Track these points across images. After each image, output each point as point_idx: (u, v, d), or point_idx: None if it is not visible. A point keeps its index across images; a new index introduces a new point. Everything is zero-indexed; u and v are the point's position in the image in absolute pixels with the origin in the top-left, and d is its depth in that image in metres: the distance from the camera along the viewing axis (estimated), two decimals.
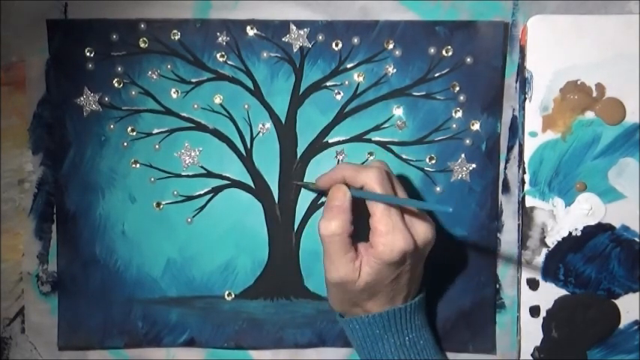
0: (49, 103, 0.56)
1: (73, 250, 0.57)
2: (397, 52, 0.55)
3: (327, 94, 0.56)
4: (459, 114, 0.56)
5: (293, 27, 0.55)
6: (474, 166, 0.56)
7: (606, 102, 0.54)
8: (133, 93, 0.56)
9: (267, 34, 0.56)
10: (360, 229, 0.48)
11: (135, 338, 0.58)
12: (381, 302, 0.49)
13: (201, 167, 0.57)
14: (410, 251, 0.47)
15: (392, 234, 0.46)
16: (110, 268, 0.57)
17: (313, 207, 0.57)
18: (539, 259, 0.55)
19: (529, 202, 0.55)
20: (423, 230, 0.48)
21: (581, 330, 0.55)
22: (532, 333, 0.56)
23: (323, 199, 0.57)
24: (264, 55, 0.56)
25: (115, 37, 0.56)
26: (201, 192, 0.57)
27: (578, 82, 0.54)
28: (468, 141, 0.56)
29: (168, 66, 0.56)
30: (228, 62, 0.56)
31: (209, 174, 0.57)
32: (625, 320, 0.55)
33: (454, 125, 0.56)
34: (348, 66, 0.56)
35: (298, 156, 0.57)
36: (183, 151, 0.57)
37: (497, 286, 0.57)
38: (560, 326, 0.55)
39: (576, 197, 0.55)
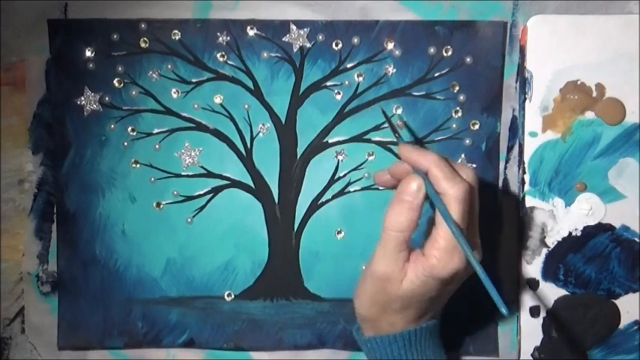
0: (49, 103, 0.56)
1: (73, 250, 0.57)
2: (397, 52, 0.55)
3: (327, 94, 0.56)
4: (459, 114, 0.56)
5: (293, 27, 0.56)
6: (473, 166, 0.56)
7: (606, 102, 0.54)
8: (134, 93, 0.56)
9: (268, 34, 0.56)
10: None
11: (135, 338, 0.58)
12: (408, 318, 0.47)
13: (202, 167, 0.57)
14: (460, 275, 0.45)
15: (450, 252, 0.44)
16: (110, 268, 0.57)
17: (313, 207, 0.57)
18: (539, 259, 0.55)
19: (529, 202, 0.55)
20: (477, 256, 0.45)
21: (581, 330, 0.55)
22: (532, 333, 0.56)
23: (323, 199, 0.57)
24: (265, 55, 0.56)
25: (115, 36, 0.56)
26: (201, 192, 0.57)
27: (578, 82, 0.54)
28: (467, 141, 0.56)
29: (169, 66, 0.56)
30: (229, 62, 0.56)
31: (209, 174, 0.57)
32: (625, 320, 0.55)
33: (454, 125, 0.56)
34: (348, 66, 0.56)
35: (298, 156, 0.57)
36: (183, 151, 0.57)
37: (497, 286, 0.57)
38: (560, 326, 0.55)
39: (576, 197, 0.55)
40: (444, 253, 0.44)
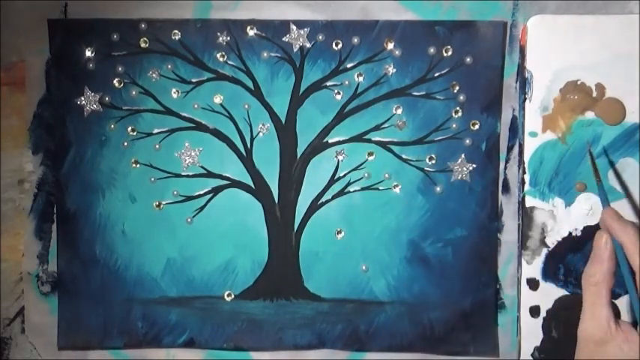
0: (49, 103, 0.57)
1: (73, 250, 0.57)
2: (397, 52, 0.55)
3: (327, 94, 0.56)
4: (459, 114, 0.56)
5: (293, 27, 0.56)
6: (474, 166, 0.56)
7: (606, 102, 0.54)
8: (134, 93, 0.56)
9: (268, 34, 0.56)
10: None
11: (135, 338, 0.58)
12: None
13: (202, 167, 0.57)
14: None
15: None
16: (110, 268, 0.57)
17: (313, 207, 0.57)
18: (539, 259, 0.55)
19: (529, 202, 0.55)
20: None
21: None
22: (532, 333, 0.56)
23: (323, 199, 0.57)
24: (265, 55, 0.56)
25: (115, 37, 0.56)
26: (201, 192, 0.57)
27: (578, 82, 0.54)
28: (467, 141, 0.56)
29: (169, 66, 0.56)
30: (229, 62, 0.56)
31: (209, 174, 0.57)
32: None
33: (454, 125, 0.56)
34: (348, 66, 0.56)
35: (298, 156, 0.57)
36: (183, 151, 0.57)
37: (498, 286, 0.57)
38: (560, 326, 0.55)
39: (576, 197, 0.55)
40: None
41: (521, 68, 0.55)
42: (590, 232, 0.55)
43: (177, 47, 0.56)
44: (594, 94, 0.54)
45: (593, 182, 0.54)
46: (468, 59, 0.55)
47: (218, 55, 0.56)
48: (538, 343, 0.56)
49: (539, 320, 0.55)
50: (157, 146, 0.57)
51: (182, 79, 0.56)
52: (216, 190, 0.57)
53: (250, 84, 0.56)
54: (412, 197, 0.57)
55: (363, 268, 0.57)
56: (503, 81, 0.56)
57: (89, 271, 0.57)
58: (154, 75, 0.56)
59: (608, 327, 0.46)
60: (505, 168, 0.57)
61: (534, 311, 0.55)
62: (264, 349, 0.58)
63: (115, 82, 0.56)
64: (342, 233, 0.57)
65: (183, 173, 0.57)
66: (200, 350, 0.58)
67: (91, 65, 0.56)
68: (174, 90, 0.56)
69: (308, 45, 0.56)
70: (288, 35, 0.56)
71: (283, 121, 0.56)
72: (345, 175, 0.57)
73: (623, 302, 0.55)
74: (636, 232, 0.46)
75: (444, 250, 0.57)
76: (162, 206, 0.57)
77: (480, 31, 0.55)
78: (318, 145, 0.56)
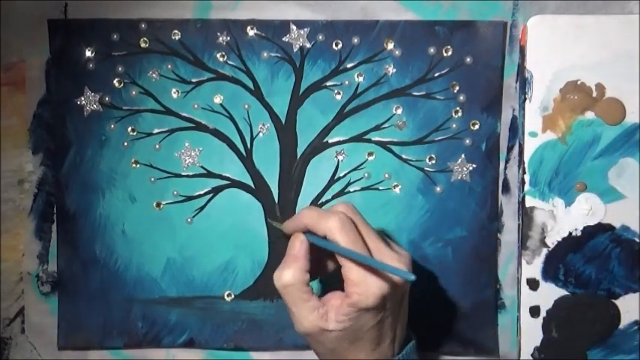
0: (49, 103, 0.56)
1: (73, 250, 0.57)
2: (397, 52, 0.55)
3: (327, 94, 0.56)
4: (459, 114, 0.56)
5: (293, 27, 0.56)
6: (473, 166, 0.56)
7: (606, 102, 0.54)
8: (134, 93, 0.56)
9: (268, 34, 0.56)
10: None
11: (134, 338, 0.58)
12: (365, 349, 0.47)
13: (202, 167, 0.57)
14: (387, 294, 0.45)
15: (364, 282, 0.44)
16: (110, 268, 0.57)
17: None
18: (539, 259, 0.55)
19: (529, 202, 0.55)
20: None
21: (581, 330, 0.55)
22: (532, 333, 0.56)
23: (323, 199, 0.57)
24: (265, 55, 0.56)
25: (115, 37, 0.56)
26: (201, 192, 0.57)
27: (578, 83, 0.54)
28: (467, 141, 0.56)
29: (169, 66, 0.56)
30: (229, 62, 0.56)
31: (209, 174, 0.57)
32: (625, 320, 0.55)
33: (454, 125, 0.56)
34: (348, 66, 0.56)
35: (298, 156, 0.57)
36: (183, 151, 0.57)
37: (498, 286, 0.57)
38: (560, 326, 0.55)
39: (576, 197, 0.55)
40: (360, 285, 0.44)
41: (521, 68, 0.55)
42: (590, 232, 0.55)
43: (177, 47, 0.56)
44: (594, 94, 0.54)
45: (593, 182, 0.54)
46: (468, 59, 0.55)
47: (218, 55, 0.56)
48: (538, 343, 0.56)
49: (539, 320, 0.55)
50: (157, 146, 0.57)
51: (182, 79, 0.56)
52: (216, 190, 0.57)
53: (250, 84, 0.56)
54: (412, 197, 0.57)
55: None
56: (503, 81, 0.56)
57: (89, 271, 0.57)
58: (154, 75, 0.56)
59: (318, 316, 0.45)
60: (505, 168, 0.57)
61: (534, 311, 0.55)
62: (264, 349, 0.58)
63: (115, 82, 0.56)
64: None
65: (183, 173, 0.57)
66: (200, 350, 0.58)
67: (91, 65, 0.56)
68: (174, 90, 0.56)
69: (308, 45, 0.56)
70: (288, 35, 0.56)
71: (283, 121, 0.56)
72: (345, 175, 0.57)
73: (623, 302, 0.55)
74: (306, 209, 0.48)
75: (444, 250, 0.57)
76: (162, 206, 0.57)
77: (480, 31, 0.55)
78: (318, 145, 0.56)
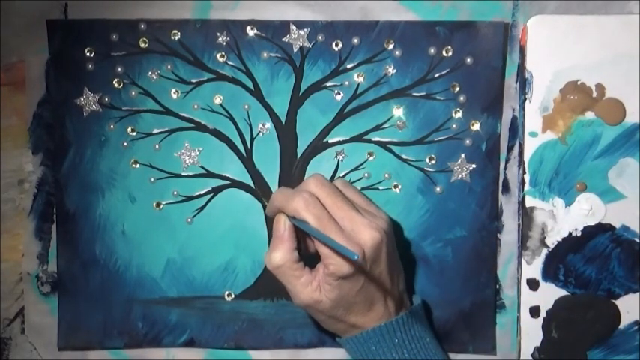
0: (49, 103, 0.56)
1: (72, 251, 0.57)
2: (397, 53, 0.55)
3: (327, 95, 0.56)
4: (459, 114, 0.56)
5: (293, 27, 0.55)
6: (474, 166, 0.56)
7: (606, 102, 0.54)
8: (133, 93, 0.56)
9: (267, 34, 0.56)
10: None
11: (135, 338, 0.58)
12: (360, 312, 0.50)
13: (201, 167, 0.57)
14: (360, 261, 0.46)
15: (336, 253, 0.46)
16: (110, 268, 0.57)
17: None
18: (539, 260, 0.55)
19: (529, 202, 0.55)
20: (369, 236, 0.47)
21: (581, 330, 0.55)
22: (532, 333, 0.56)
23: None
24: (264, 55, 0.56)
25: (115, 37, 0.56)
26: (201, 192, 0.57)
27: (578, 83, 0.54)
28: (468, 141, 0.56)
29: (169, 66, 0.56)
30: (228, 62, 0.56)
31: (209, 174, 0.57)
32: (625, 320, 0.55)
33: (454, 125, 0.56)
34: (348, 66, 0.56)
35: (298, 156, 0.57)
36: (183, 151, 0.57)
37: (498, 286, 0.57)
38: (560, 326, 0.55)
39: (576, 197, 0.55)
40: (332, 256, 0.47)
41: (521, 68, 0.55)
42: (590, 232, 0.55)
43: (177, 47, 0.56)
44: (594, 94, 0.54)
45: (593, 182, 0.54)
46: (469, 60, 0.55)
47: (218, 56, 0.56)
48: (538, 343, 0.56)
49: (539, 320, 0.55)
50: (157, 146, 0.57)
51: (182, 80, 0.56)
52: (216, 191, 0.57)
53: (250, 84, 0.56)
54: (412, 197, 0.57)
55: None
56: (503, 81, 0.56)
57: (89, 271, 0.57)
58: (154, 75, 0.56)
59: (312, 290, 0.49)
60: (505, 168, 0.57)
61: (534, 311, 0.55)
62: (264, 348, 0.58)
63: (115, 82, 0.56)
64: None
65: (183, 173, 0.57)
66: (200, 350, 0.58)
67: (90, 65, 0.56)
68: (173, 90, 0.56)
69: (308, 45, 0.56)
70: (288, 36, 0.56)
71: (283, 122, 0.56)
72: (345, 175, 0.57)
73: (623, 302, 0.55)
74: (277, 191, 0.51)
75: (444, 250, 0.57)
76: (162, 206, 0.57)
77: (480, 31, 0.55)
78: (318, 146, 0.56)
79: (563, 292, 0.55)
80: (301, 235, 0.51)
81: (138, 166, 0.57)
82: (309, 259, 0.51)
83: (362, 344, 0.50)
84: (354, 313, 0.50)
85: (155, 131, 0.56)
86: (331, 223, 0.47)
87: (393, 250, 0.51)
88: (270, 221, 0.56)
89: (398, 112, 0.56)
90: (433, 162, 0.56)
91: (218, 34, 0.56)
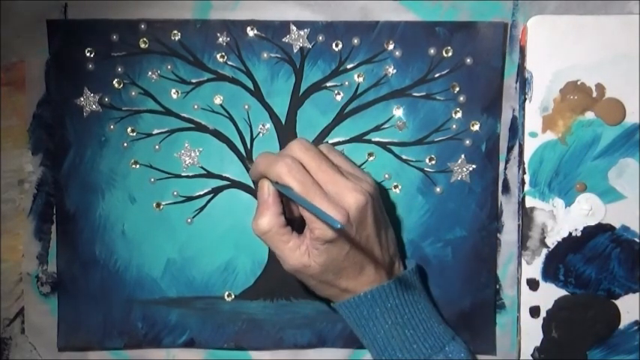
0: (49, 104, 0.56)
1: (72, 251, 0.57)
2: (397, 53, 0.55)
3: (327, 95, 0.56)
4: (459, 114, 0.56)
5: (293, 27, 0.55)
6: (473, 166, 0.56)
7: (606, 102, 0.54)
8: (133, 93, 0.56)
9: (268, 34, 0.56)
10: None
11: (135, 339, 0.58)
12: (350, 276, 0.49)
13: (201, 168, 0.57)
14: (345, 224, 0.46)
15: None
16: (110, 268, 0.57)
17: None
18: (539, 260, 0.55)
19: (529, 202, 0.55)
20: (353, 199, 0.47)
21: (581, 330, 0.55)
22: (532, 333, 0.56)
23: None
24: (265, 55, 0.56)
25: (115, 37, 0.56)
26: (201, 192, 0.57)
27: (578, 83, 0.54)
28: (467, 141, 0.56)
29: (169, 66, 0.56)
30: (229, 63, 0.56)
31: (209, 174, 0.57)
32: (625, 320, 0.55)
33: (454, 126, 0.56)
34: (348, 66, 0.56)
35: None
36: (183, 151, 0.57)
37: (498, 286, 0.57)
38: (560, 326, 0.55)
39: (576, 198, 0.55)
40: (316, 220, 0.46)
41: (521, 68, 0.55)
42: (590, 232, 0.55)
43: (177, 48, 0.56)
44: (594, 94, 0.54)
45: (593, 182, 0.54)
46: (469, 60, 0.55)
47: (218, 56, 0.56)
48: (538, 344, 0.56)
49: (539, 320, 0.55)
50: (157, 147, 0.56)
51: (182, 80, 0.56)
52: (216, 191, 0.57)
53: (250, 85, 0.56)
54: (412, 197, 0.57)
55: None
56: (503, 81, 0.56)
57: (89, 271, 0.57)
58: (154, 75, 0.56)
59: (300, 254, 0.48)
60: (505, 168, 0.57)
61: (534, 311, 0.56)
62: (264, 348, 0.58)
63: (115, 82, 0.56)
64: None
65: (183, 174, 0.57)
66: (200, 350, 0.58)
67: (90, 66, 0.56)
68: (173, 90, 0.56)
69: (308, 46, 0.56)
70: (288, 36, 0.56)
71: (283, 122, 0.56)
72: None
73: (623, 302, 0.55)
74: (259, 155, 0.50)
75: (444, 250, 0.57)
76: (162, 207, 0.57)
77: (480, 31, 0.55)
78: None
79: (563, 292, 0.55)
80: (285, 199, 0.50)
81: (138, 166, 0.57)
82: (296, 223, 0.50)
83: (355, 309, 0.50)
84: (345, 278, 0.49)
85: (155, 131, 0.56)
86: (315, 187, 0.47)
87: (381, 213, 0.51)
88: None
89: (398, 112, 0.56)
90: (433, 162, 0.56)
91: (218, 34, 0.56)
